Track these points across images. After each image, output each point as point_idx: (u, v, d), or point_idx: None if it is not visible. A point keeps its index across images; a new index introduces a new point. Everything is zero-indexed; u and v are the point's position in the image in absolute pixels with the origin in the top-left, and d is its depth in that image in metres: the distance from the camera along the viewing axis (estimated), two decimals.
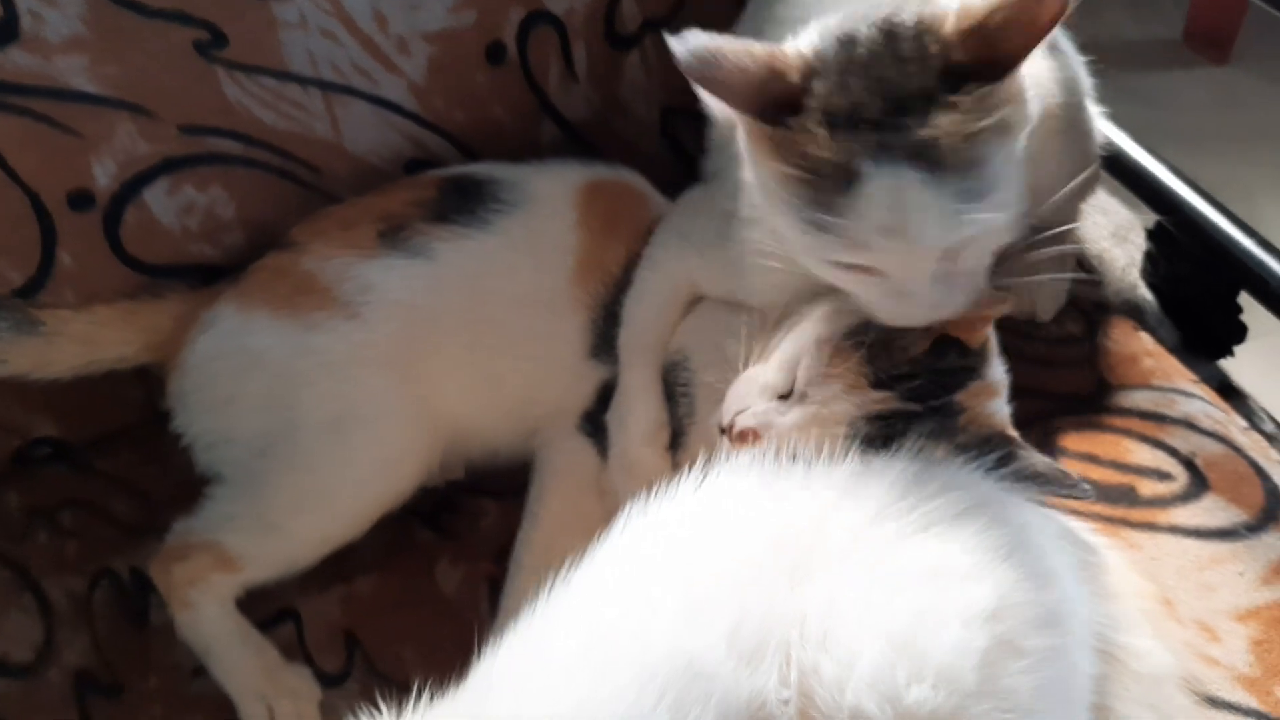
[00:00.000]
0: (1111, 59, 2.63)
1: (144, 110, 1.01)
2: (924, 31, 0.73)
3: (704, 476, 0.71)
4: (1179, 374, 1.00)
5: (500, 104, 1.14)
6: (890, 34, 0.73)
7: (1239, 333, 1.02)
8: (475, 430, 1.01)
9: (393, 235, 1.02)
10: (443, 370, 0.99)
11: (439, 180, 1.07)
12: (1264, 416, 1.01)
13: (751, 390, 0.81)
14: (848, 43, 0.73)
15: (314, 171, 1.10)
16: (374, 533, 0.96)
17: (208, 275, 1.09)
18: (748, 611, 0.62)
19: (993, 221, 0.72)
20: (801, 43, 0.76)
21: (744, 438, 0.77)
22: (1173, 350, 1.03)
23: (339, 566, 0.97)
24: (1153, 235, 1.06)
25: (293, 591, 0.97)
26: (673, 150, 1.22)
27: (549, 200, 1.04)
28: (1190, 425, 0.95)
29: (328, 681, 0.93)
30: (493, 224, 1.03)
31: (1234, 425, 0.96)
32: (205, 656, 0.92)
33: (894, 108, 0.71)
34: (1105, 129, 1.09)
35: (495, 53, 1.11)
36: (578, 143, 1.18)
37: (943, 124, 0.70)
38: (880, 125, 0.71)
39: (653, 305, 0.97)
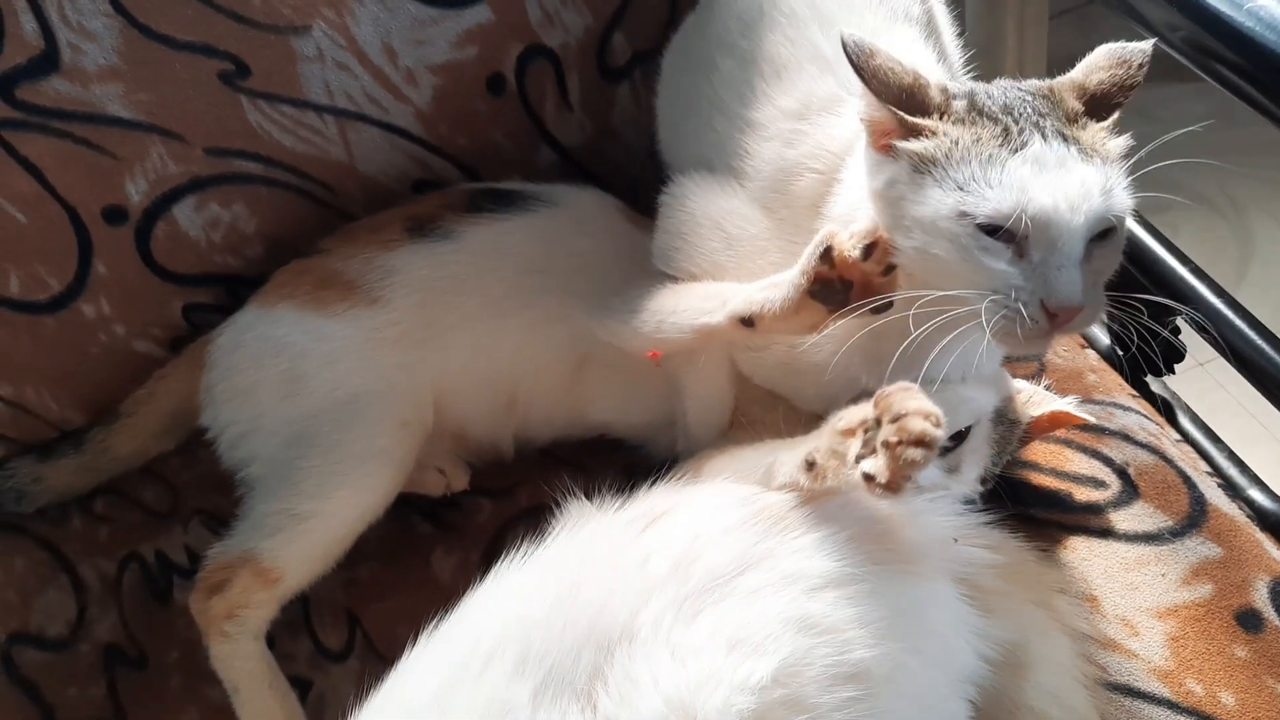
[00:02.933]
0: None
1: (174, 134, 1.08)
2: (1042, 90, 0.83)
3: (556, 538, 0.79)
4: (1119, 389, 1.06)
5: (500, 130, 1.19)
6: (1014, 87, 0.83)
7: (1178, 353, 1.08)
8: (466, 393, 1.05)
9: (420, 229, 1.07)
10: (451, 337, 1.03)
11: (471, 189, 1.14)
12: (1197, 431, 1.07)
13: None
14: (972, 92, 0.82)
15: (329, 190, 1.16)
16: (376, 524, 1.01)
17: (230, 284, 1.16)
18: (561, 668, 0.70)
19: (1128, 212, 0.80)
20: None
21: None
22: (1115, 367, 1.09)
23: (344, 555, 1.00)
24: None
25: None
26: (659, 174, 1.28)
27: (583, 204, 1.10)
28: (1126, 437, 1.01)
29: (331, 658, 1.00)
30: (528, 211, 1.08)
31: (1167, 438, 1.02)
32: (233, 694, 0.95)
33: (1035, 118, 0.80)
34: None
35: (496, 83, 1.16)
36: (572, 166, 1.23)
37: (1079, 135, 0.80)
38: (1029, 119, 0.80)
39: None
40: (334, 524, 0.98)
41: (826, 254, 0.80)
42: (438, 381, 1.04)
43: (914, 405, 0.70)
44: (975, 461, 0.90)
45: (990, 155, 0.78)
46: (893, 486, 0.70)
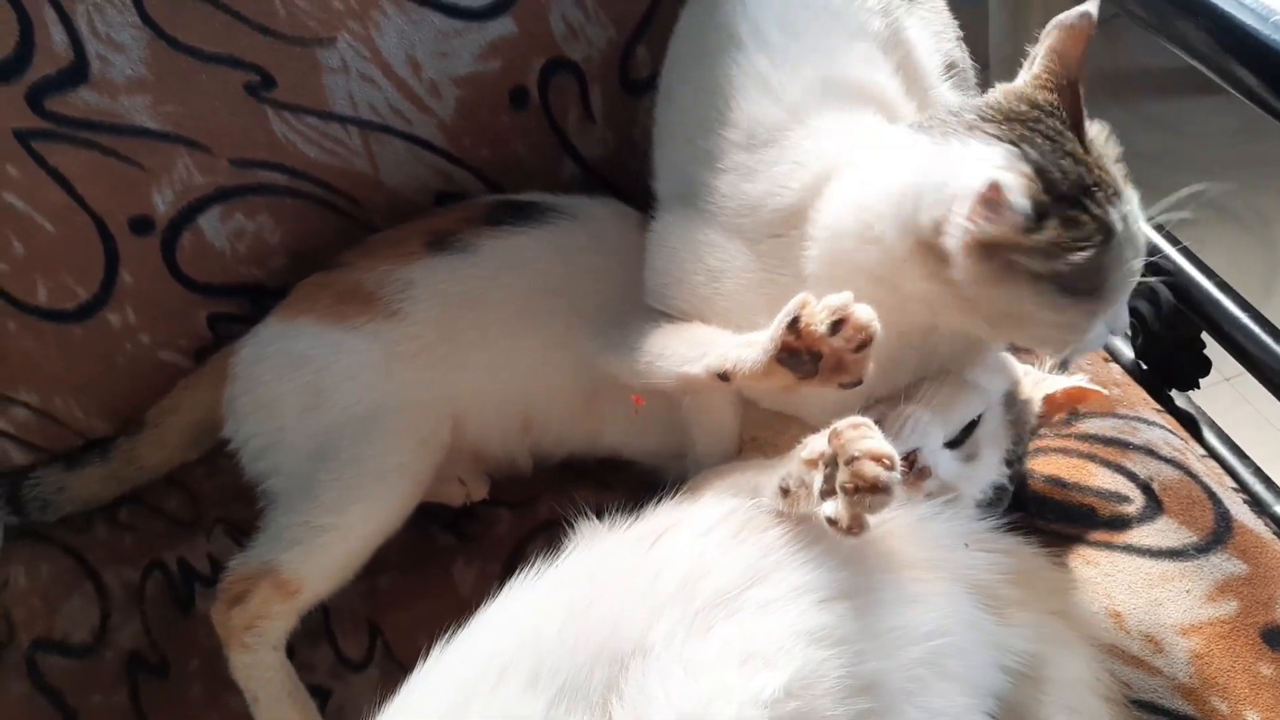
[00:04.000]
0: (1132, 87, 2.65)
1: (200, 145, 1.09)
2: (1049, 108, 0.82)
3: (568, 556, 0.79)
4: (1143, 403, 1.06)
5: (523, 143, 1.20)
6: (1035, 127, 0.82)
7: (1203, 368, 1.08)
8: (482, 412, 1.05)
9: (439, 243, 1.07)
10: (467, 356, 1.04)
11: (492, 201, 1.14)
12: (1223, 446, 1.06)
13: (925, 431, 0.86)
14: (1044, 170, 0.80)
15: (352, 202, 1.17)
16: (397, 534, 1.02)
17: (254, 294, 1.17)
18: (575, 682, 0.70)
19: None
20: (993, 160, 0.79)
21: (922, 474, 0.84)
22: (1140, 381, 1.09)
23: (365, 565, 1.01)
24: None
25: None
26: None
27: (602, 217, 1.10)
28: (1150, 452, 1.00)
29: (351, 667, 1.01)
30: (546, 224, 1.09)
31: (1191, 453, 1.01)
32: (252, 704, 0.96)
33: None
34: None
35: (519, 96, 1.17)
36: (594, 179, 1.24)
37: (1105, 169, 0.81)
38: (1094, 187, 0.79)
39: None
40: (352, 537, 0.99)
41: (794, 324, 0.78)
42: (455, 401, 1.04)
43: (866, 447, 0.70)
44: (994, 445, 0.89)
45: (1095, 250, 0.76)
46: (853, 530, 0.71)
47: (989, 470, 0.89)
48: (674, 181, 0.99)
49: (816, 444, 0.74)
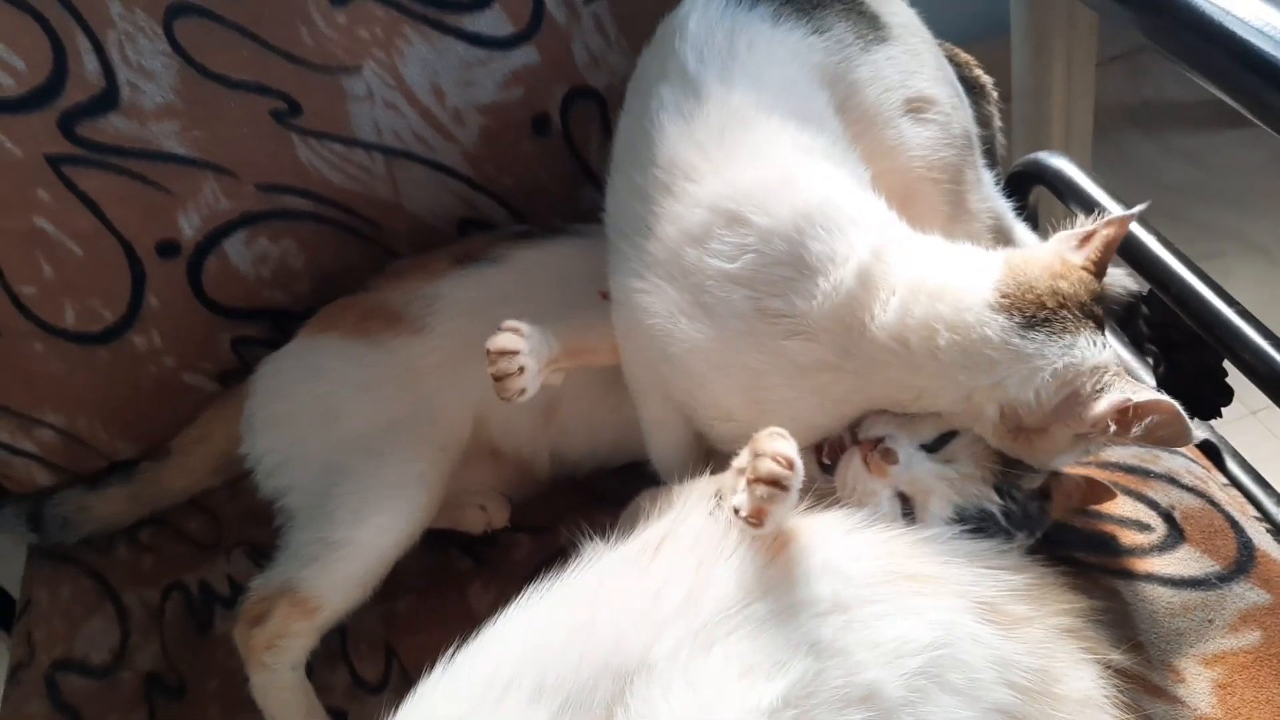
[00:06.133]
0: (1160, 120, 2.66)
1: (226, 170, 1.11)
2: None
3: (571, 572, 0.80)
4: None
5: (545, 170, 1.21)
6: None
7: (1226, 396, 1.07)
8: (507, 415, 1.05)
9: (467, 260, 1.09)
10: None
11: (521, 230, 1.16)
12: (1245, 476, 1.05)
13: (898, 427, 0.87)
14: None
15: (376, 227, 1.18)
16: (415, 558, 1.02)
17: (278, 318, 1.18)
18: (579, 696, 0.71)
19: None
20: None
21: (887, 456, 0.85)
22: None
23: (383, 587, 1.02)
24: (1148, 302, 1.11)
25: None
26: None
27: None
28: (1172, 480, 0.99)
29: (367, 689, 1.01)
30: (574, 236, 1.10)
31: (1214, 482, 1.00)
32: None
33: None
34: (1104, 202, 1.15)
35: (541, 124, 1.18)
36: None
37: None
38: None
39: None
40: (368, 551, 0.99)
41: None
42: (480, 401, 1.04)
43: (771, 448, 0.77)
44: (977, 463, 0.87)
45: None
46: (753, 521, 0.76)
47: (969, 484, 0.87)
48: None
49: (745, 455, 0.80)
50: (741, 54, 0.95)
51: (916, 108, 1.02)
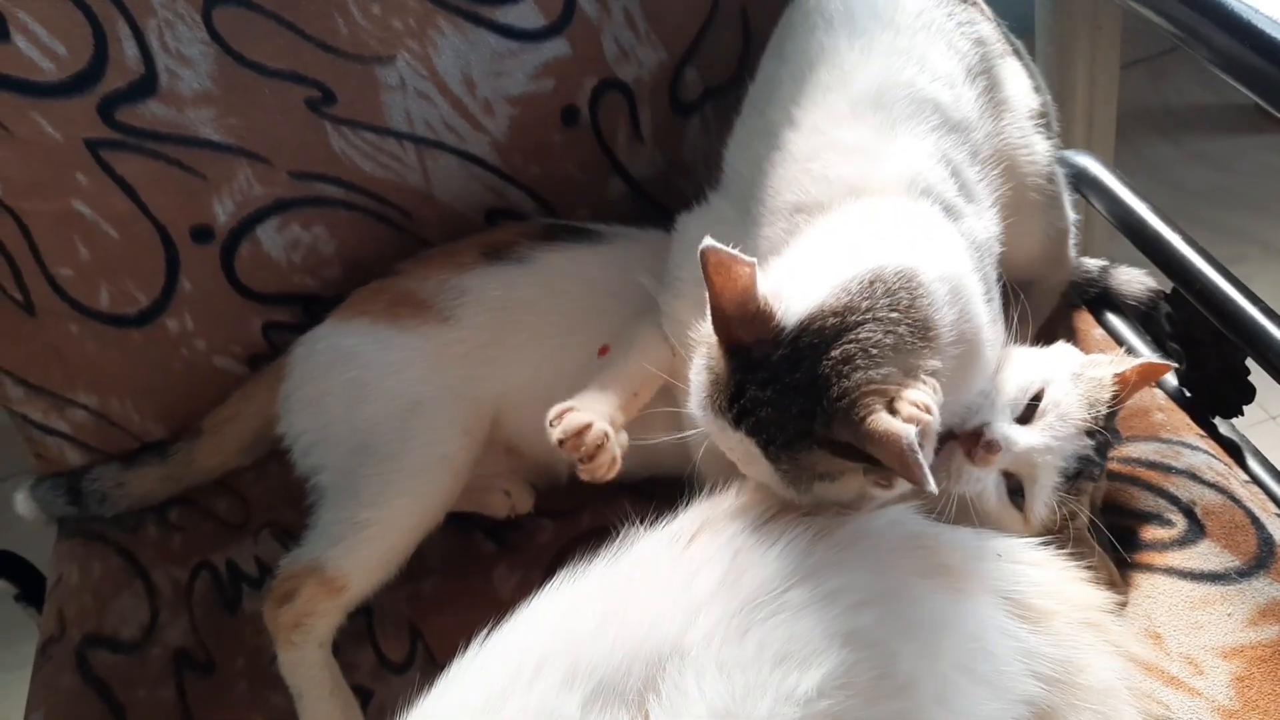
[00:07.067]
0: (1183, 124, 2.65)
1: (261, 158, 1.13)
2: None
3: (606, 557, 0.80)
4: (1187, 428, 1.05)
5: (573, 161, 1.22)
6: None
7: (1248, 394, 1.07)
8: (524, 408, 1.06)
9: (495, 253, 1.10)
10: (518, 353, 1.06)
11: (549, 223, 1.17)
12: (1266, 474, 1.05)
13: (993, 407, 0.88)
14: None
15: (405, 215, 1.20)
16: (440, 540, 1.05)
17: (307, 303, 1.20)
18: (612, 680, 0.72)
19: None
20: None
21: (990, 449, 0.85)
22: (1184, 407, 1.08)
23: (408, 569, 1.04)
24: (1171, 300, 1.12)
25: None
26: None
27: (654, 244, 1.11)
28: (1193, 476, 1.00)
29: (392, 669, 1.02)
30: (600, 243, 1.12)
31: (1235, 478, 1.01)
32: (297, 700, 0.98)
33: None
34: (1129, 201, 1.15)
35: (570, 116, 1.20)
36: (642, 198, 1.26)
37: None
38: None
39: None
40: (393, 530, 1.01)
41: None
42: (499, 397, 1.06)
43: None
44: (1067, 417, 0.89)
45: None
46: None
47: (1067, 441, 0.89)
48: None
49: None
50: None
51: (1039, 115, 1.07)
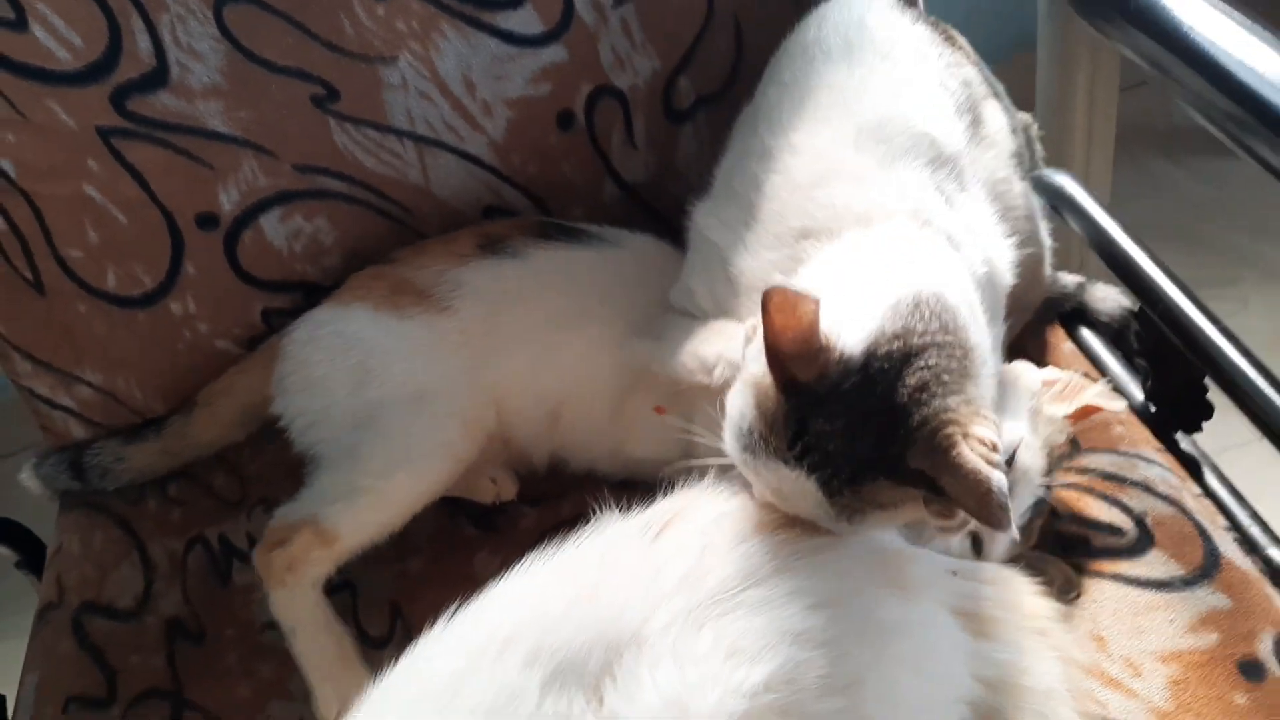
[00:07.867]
0: (1182, 141, 2.65)
1: (266, 150, 1.17)
2: None
3: (577, 541, 0.83)
4: (1146, 442, 1.08)
5: (568, 163, 1.25)
6: None
7: (1206, 411, 1.11)
8: (517, 399, 1.10)
9: (491, 246, 1.13)
10: (513, 347, 1.09)
11: (544, 220, 1.21)
12: (1222, 488, 1.08)
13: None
14: None
15: (404, 210, 1.23)
16: (425, 523, 1.07)
17: (307, 290, 1.23)
18: (573, 662, 0.74)
19: None
20: None
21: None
22: (1146, 422, 1.12)
23: (394, 549, 1.07)
24: (1139, 317, 1.15)
25: (354, 566, 1.06)
26: None
27: (648, 247, 1.16)
28: (1147, 488, 1.03)
29: (372, 644, 1.05)
30: (594, 243, 1.15)
31: (1188, 491, 1.04)
32: (290, 636, 1.01)
33: None
34: (1100, 220, 1.19)
35: (565, 119, 1.23)
36: (636, 202, 1.29)
37: None
38: None
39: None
40: (391, 502, 1.04)
41: None
42: (494, 387, 1.09)
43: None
44: (1035, 463, 0.93)
45: None
46: None
47: (1035, 487, 0.93)
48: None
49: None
50: None
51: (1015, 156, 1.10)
